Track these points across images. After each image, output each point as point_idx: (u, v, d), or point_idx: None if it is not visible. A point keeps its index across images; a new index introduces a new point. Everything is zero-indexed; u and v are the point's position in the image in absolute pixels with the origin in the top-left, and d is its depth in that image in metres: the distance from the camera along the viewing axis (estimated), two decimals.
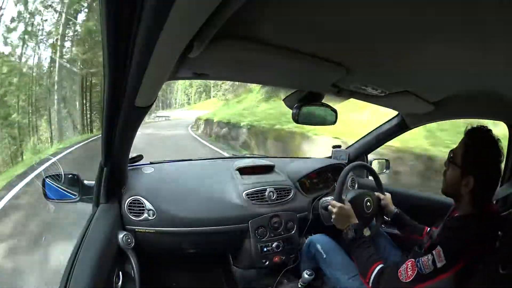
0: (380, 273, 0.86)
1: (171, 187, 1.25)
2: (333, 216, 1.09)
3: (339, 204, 1.09)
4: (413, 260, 0.79)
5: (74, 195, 1.06)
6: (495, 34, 0.52)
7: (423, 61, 0.69)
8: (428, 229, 1.13)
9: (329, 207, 1.12)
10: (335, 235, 1.27)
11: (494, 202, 1.00)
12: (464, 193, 0.80)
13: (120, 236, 0.98)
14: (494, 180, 0.82)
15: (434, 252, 0.75)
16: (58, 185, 1.05)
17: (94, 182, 1.06)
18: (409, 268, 0.78)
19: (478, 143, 0.80)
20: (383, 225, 1.47)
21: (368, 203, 1.21)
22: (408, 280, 0.77)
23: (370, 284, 0.87)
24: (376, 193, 1.28)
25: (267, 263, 1.29)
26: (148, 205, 1.14)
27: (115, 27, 0.40)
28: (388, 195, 1.27)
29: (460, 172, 0.80)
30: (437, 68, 0.74)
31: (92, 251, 0.79)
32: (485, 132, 0.81)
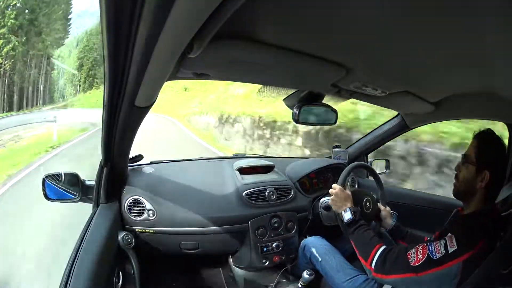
0: (384, 255, 0.87)
1: (171, 187, 1.25)
2: (331, 197, 1.10)
3: (339, 186, 1.10)
4: (425, 244, 0.80)
5: (74, 195, 1.06)
6: (495, 34, 0.52)
7: (423, 61, 0.69)
8: (428, 238, 1.13)
9: (330, 190, 1.12)
10: (332, 237, 1.27)
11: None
12: (478, 189, 0.84)
13: (120, 236, 0.98)
14: (504, 176, 0.86)
15: (446, 237, 0.77)
16: (58, 185, 1.04)
17: (94, 182, 1.06)
18: (420, 251, 0.79)
19: (489, 142, 0.87)
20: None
21: (368, 203, 1.21)
22: (416, 264, 0.78)
23: (373, 266, 0.87)
24: (378, 204, 1.27)
25: (267, 263, 1.29)
26: (148, 205, 1.14)
27: (115, 27, 0.40)
28: (388, 208, 1.26)
29: (476, 169, 0.84)
30: (437, 68, 0.74)
31: (92, 251, 0.79)
32: (494, 134, 0.88)
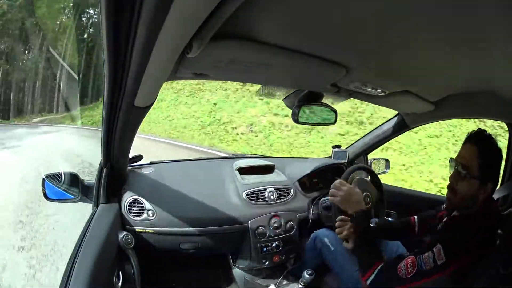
0: (378, 272, 0.85)
1: (171, 187, 1.25)
2: (340, 195, 1.01)
3: (347, 185, 1.02)
4: (414, 257, 0.79)
5: (74, 195, 1.06)
6: (494, 34, 0.52)
7: (423, 61, 0.69)
8: (415, 218, 1.11)
9: (332, 189, 1.03)
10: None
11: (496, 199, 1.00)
12: (479, 201, 0.79)
13: (120, 236, 0.98)
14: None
15: (434, 249, 0.76)
16: (58, 185, 1.04)
17: (93, 182, 1.06)
18: (410, 264, 0.79)
19: (492, 150, 0.79)
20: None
21: (367, 198, 1.22)
22: (407, 277, 0.78)
23: (368, 283, 0.86)
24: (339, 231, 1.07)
25: (267, 263, 1.29)
26: (148, 205, 1.14)
27: (115, 27, 0.40)
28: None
29: (479, 182, 0.78)
30: (437, 68, 0.74)
31: (92, 251, 0.79)
32: (492, 138, 0.81)
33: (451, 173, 0.84)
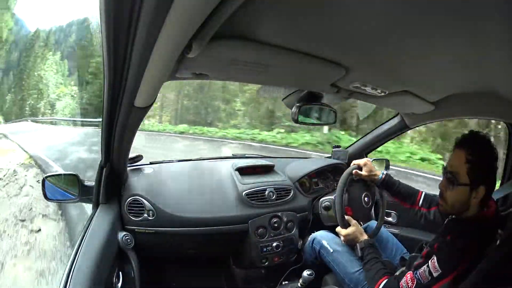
0: (384, 287, 0.88)
1: (170, 187, 1.25)
2: (343, 240, 1.13)
3: (344, 232, 1.12)
4: (412, 272, 0.81)
5: (74, 195, 1.06)
6: (494, 34, 0.52)
7: (423, 61, 0.69)
8: (422, 192, 1.12)
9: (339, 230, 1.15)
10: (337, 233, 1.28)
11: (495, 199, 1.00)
12: (473, 204, 0.78)
13: (120, 236, 0.98)
14: (496, 179, 0.82)
15: (430, 262, 0.78)
16: (58, 185, 1.04)
17: (93, 182, 1.06)
18: (409, 280, 0.81)
19: (481, 154, 0.77)
20: (385, 225, 1.47)
21: (366, 198, 1.22)
22: None
23: None
24: (356, 162, 1.22)
25: (266, 263, 1.29)
26: (147, 205, 1.14)
27: (115, 28, 0.40)
28: (368, 161, 1.21)
29: (469, 188, 0.77)
30: (437, 68, 0.74)
31: (92, 251, 0.79)
32: (481, 138, 0.78)
33: (442, 180, 0.85)
